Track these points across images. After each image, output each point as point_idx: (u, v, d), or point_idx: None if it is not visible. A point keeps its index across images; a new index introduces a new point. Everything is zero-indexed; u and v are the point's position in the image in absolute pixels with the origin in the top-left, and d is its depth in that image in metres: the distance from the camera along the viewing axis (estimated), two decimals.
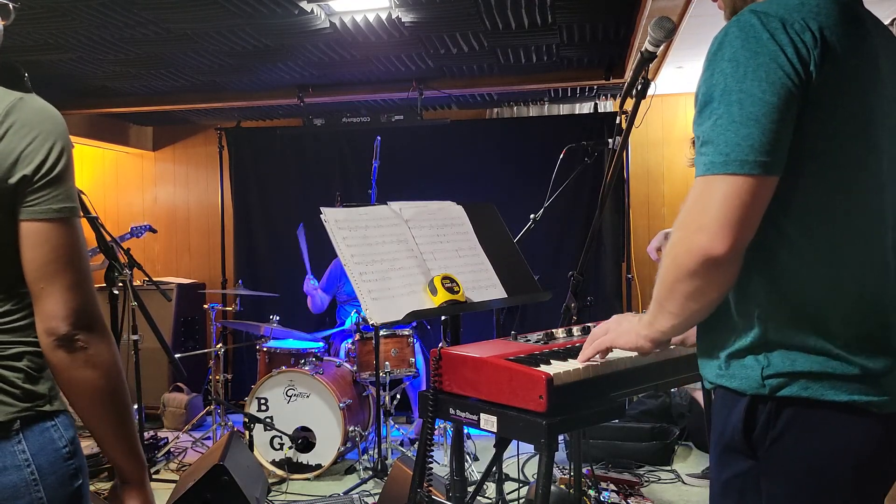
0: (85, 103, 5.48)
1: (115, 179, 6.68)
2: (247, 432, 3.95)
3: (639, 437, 4.28)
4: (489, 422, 1.54)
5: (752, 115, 1.09)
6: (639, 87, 2.24)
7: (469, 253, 2.25)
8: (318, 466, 4.19)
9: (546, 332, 1.87)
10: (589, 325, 1.98)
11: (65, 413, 1.24)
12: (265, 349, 4.56)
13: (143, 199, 6.64)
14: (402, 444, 4.58)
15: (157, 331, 3.36)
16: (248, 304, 5.54)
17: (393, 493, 3.00)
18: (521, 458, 3.89)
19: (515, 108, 5.96)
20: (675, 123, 5.69)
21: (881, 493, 1.21)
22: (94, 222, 3.14)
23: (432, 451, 1.82)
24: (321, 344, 4.73)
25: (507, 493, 3.50)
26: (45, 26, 3.79)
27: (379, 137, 4.43)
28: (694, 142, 1.20)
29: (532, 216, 3.32)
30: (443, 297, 2.01)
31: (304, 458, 4.22)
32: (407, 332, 4.48)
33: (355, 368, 4.46)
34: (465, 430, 3.45)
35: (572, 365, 1.51)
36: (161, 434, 4.94)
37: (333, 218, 2.04)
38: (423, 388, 4.75)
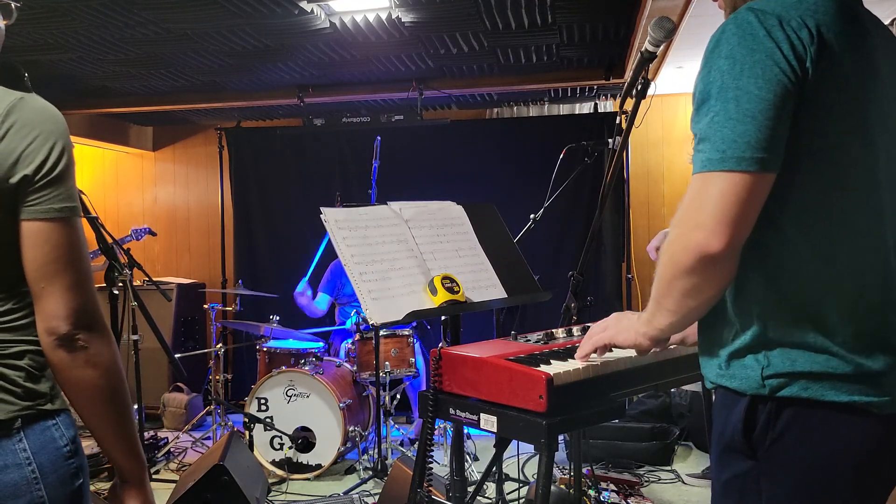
0: (85, 103, 5.49)
1: (115, 179, 6.68)
2: (247, 432, 3.95)
3: (639, 437, 4.28)
4: (489, 422, 1.54)
5: (748, 112, 1.10)
6: (639, 87, 2.24)
7: (469, 253, 2.25)
8: (318, 466, 4.19)
9: (546, 332, 1.87)
10: (589, 325, 1.98)
11: (66, 412, 1.24)
12: (265, 349, 4.56)
13: (143, 199, 6.64)
14: (402, 444, 4.58)
15: (157, 331, 3.36)
16: (248, 304, 5.54)
17: (393, 493, 3.00)
18: (521, 458, 3.89)
19: (515, 108, 5.96)
20: (675, 123, 5.69)
21: (881, 494, 1.21)
22: (95, 222, 3.14)
23: (432, 451, 1.82)
24: (321, 344, 4.73)
25: (507, 493, 3.50)
26: (45, 26, 3.79)
27: (379, 137, 4.43)
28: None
29: (532, 216, 3.32)
30: (443, 297, 2.01)
31: (304, 458, 4.22)
32: (407, 332, 4.48)
33: (355, 368, 4.46)
34: (465, 430, 3.45)
35: (572, 365, 1.51)
36: (161, 434, 4.94)
37: (333, 218, 2.04)
38: (423, 388, 4.75)
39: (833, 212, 1.15)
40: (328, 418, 4.18)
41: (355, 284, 1.96)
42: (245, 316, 5.48)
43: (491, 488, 3.61)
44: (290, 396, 4.24)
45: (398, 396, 4.77)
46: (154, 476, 4.13)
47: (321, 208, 2.05)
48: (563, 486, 3.20)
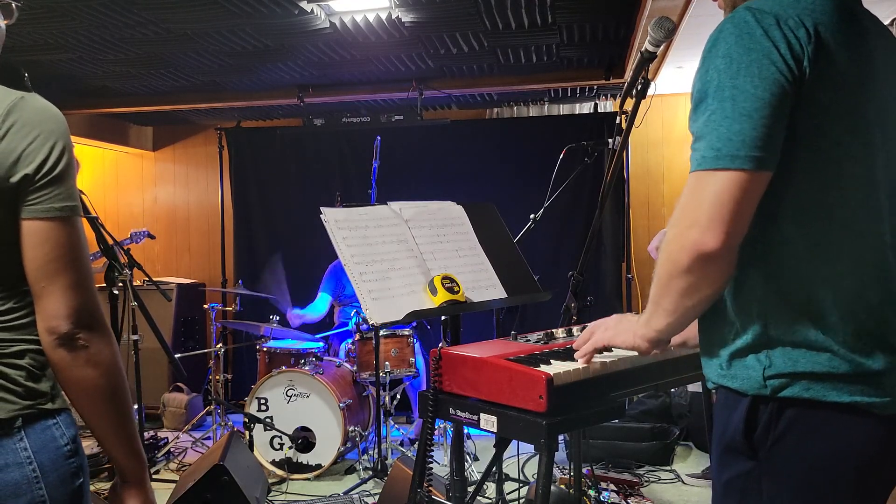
0: (85, 103, 5.49)
1: (115, 179, 6.68)
2: (247, 432, 3.95)
3: (639, 437, 4.28)
4: (489, 422, 1.54)
5: (744, 111, 1.10)
6: (639, 87, 2.24)
7: (469, 253, 2.25)
8: (318, 466, 4.19)
9: (546, 332, 1.88)
10: (589, 325, 1.98)
11: (66, 411, 1.25)
12: (265, 349, 4.55)
13: (143, 199, 6.64)
14: (402, 444, 4.58)
15: (157, 331, 3.36)
16: (247, 304, 5.54)
17: (393, 493, 3.00)
18: (521, 458, 3.89)
19: (515, 108, 5.96)
20: (675, 123, 5.69)
21: (882, 495, 1.21)
22: (95, 222, 3.14)
23: (432, 451, 1.82)
24: (321, 344, 4.73)
25: (507, 493, 3.50)
26: (45, 26, 3.79)
27: (379, 137, 4.43)
28: None
29: (532, 216, 3.32)
30: (443, 297, 2.01)
31: (304, 458, 4.22)
32: (407, 332, 4.48)
33: (355, 368, 4.46)
34: (465, 430, 3.45)
35: (572, 365, 1.51)
36: (161, 434, 4.94)
37: (333, 218, 2.04)
38: (423, 388, 4.75)
39: (831, 210, 1.16)
40: (328, 418, 4.18)
41: (355, 284, 1.96)
42: (245, 316, 5.48)
43: (491, 488, 3.61)
44: (290, 396, 4.24)
45: (398, 396, 4.77)
46: (154, 476, 4.13)
47: (321, 208, 2.05)
48: (563, 486, 3.20)
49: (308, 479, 4.16)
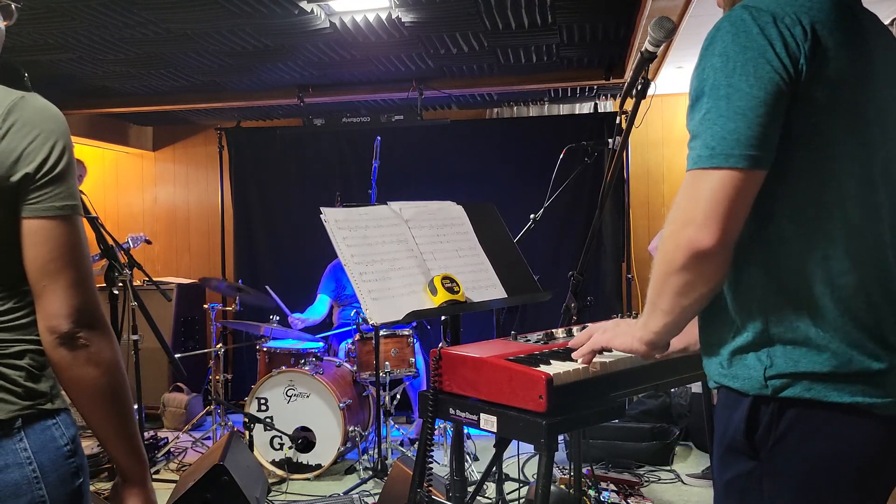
0: (85, 103, 5.49)
1: (115, 179, 6.68)
2: (247, 432, 3.95)
3: (639, 437, 4.28)
4: (489, 422, 1.54)
5: (738, 110, 1.10)
6: (639, 87, 2.25)
7: (469, 253, 2.25)
8: (318, 466, 4.19)
9: (546, 332, 1.87)
10: (589, 325, 1.98)
11: (66, 411, 1.25)
12: (265, 349, 4.55)
13: (143, 199, 6.64)
14: (402, 444, 4.58)
15: (157, 331, 3.36)
16: (247, 304, 5.54)
17: (393, 493, 3.00)
18: (521, 458, 3.89)
19: (515, 108, 5.96)
20: (675, 123, 5.69)
21: (883, 495, 1.21)
22: (95, 222, 3.14)
23: (432, 451, 1.82)
24: (321, 344, 4.73)
25: (507, 493, 3.50)
26: (45, 26, 3.79)
27: (379, 137, 4.43)
28: None
29: (532, 216, 3.32)
30: (443, 297, 2.01)
31: (304, 458, 4.22)
32: (407, 332, 4.48)
33: (355, 368, 4.46)
34: (465, 430, 3.45)
35: (572, 365, 1.51)
36: (161, 434, 4.93)
37: (333, 218, 2.04)
38: (423, 388, 4.75)
39: (829, 209, 1.16)
40: (328, 418, 4.18)
41: (355, 284, 1.96)
42: (245, 316, 5.48)
43: (491, 488, 3.61)
44: (290, 396, 4.24)
45: (398, 396, 4.77)
46: (154, 476, 4.13)
47: (321, 208, 2.05)
48: (563, 486, 3.20)
49: (308, 479, 4.16)
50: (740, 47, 1.12)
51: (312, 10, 3.65)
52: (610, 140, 2.57)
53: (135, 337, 3.87)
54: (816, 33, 1.13)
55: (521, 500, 3.52)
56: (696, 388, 4.44)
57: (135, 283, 3.58)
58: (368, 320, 1.96)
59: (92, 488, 2.86)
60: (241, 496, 2.96)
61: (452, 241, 2.25)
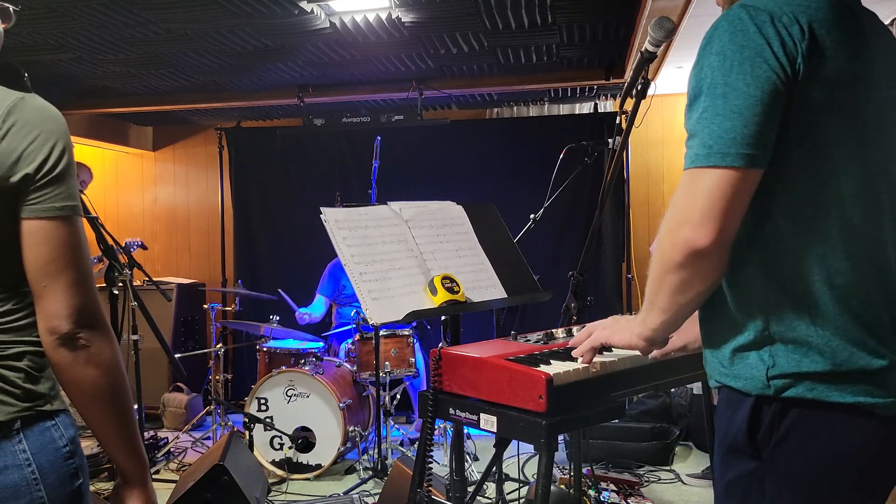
0: (85, 103, 5.49)
1: (115, 179, 6.68)
2: (247, 432, 3.95)
3: (639, 437, 4.28)
4: (489, 422, 1.54)
5: (735, 109, 1.10)
6: (639, 87, 2.24)
7: (469, 253, 2.25)
8: (318, 466, 4.19)
9: (546, 332, 1.88)
10: (587, 325, 1.98)
11: (65, 412, 1.24)
12: (265, 349, 4.56)
13: (143, 199, 6.64)
14: (402, 444, 4.58)
15: (157, 331, 3.36)
16: (247, 304, 5.54)
17: (393, 493, 3.00)
18: (521, 458, 3.89)
19: (515, 108, 5.96)
20: (675, 123, 5.69)
21: (884, 495, 1.21)
22: (95, 222, 3.14)
23: (432, 451, 1.82)
24: (321, 344, 4.73)
25: (507, 493, 3.50)
26: (45, 26, 3.79)
27: (379, 137, 4.43)
28: None
29: (532, 216, 3.32)
30: (443, 297, 2.01)
31: (304, 458, 4.22)
32: (407, 332, 4.48)
33: (355, 368, 4.46)
34: (465, 430, 3.45)
35: (572, 365, 1.51)
36: (161, 434, 4.94)
37: (333, 218, 2.04)
38: (423, 388, 4.75)
39: (827, 208, 1.16)
40: (328, 418, 4.18)
41: (355, 284, 1.96)
42: (245, 316, 5.48)
43: (491, 488, 3.61)
44: (290, 396, 4.24)
45: (398, 396, 4.77)
46: (154, 476, 4.13)
47: (321, 208, 2.05)
48: (563, 486, 3.20)
49: (308, 479, 4.16)
50: (737, 46, 1.12)
51: (312, 10, 3.65)
52: (610, 140, 2.57)
53: (135, 337, 3.87)
54: (814, 32, 1.13)
55: (521, 500, 3.52)
56: (696, 388, 4.44)
57: (135, 283, 3.58)
58: (368, 320, 1.96)
59: (92, 488, 2.86)
60: (241, 496, 2.96)
61: (452, 241, 2.24)
